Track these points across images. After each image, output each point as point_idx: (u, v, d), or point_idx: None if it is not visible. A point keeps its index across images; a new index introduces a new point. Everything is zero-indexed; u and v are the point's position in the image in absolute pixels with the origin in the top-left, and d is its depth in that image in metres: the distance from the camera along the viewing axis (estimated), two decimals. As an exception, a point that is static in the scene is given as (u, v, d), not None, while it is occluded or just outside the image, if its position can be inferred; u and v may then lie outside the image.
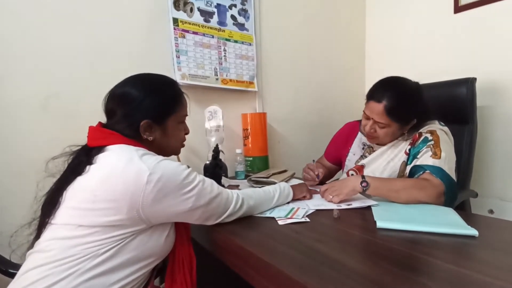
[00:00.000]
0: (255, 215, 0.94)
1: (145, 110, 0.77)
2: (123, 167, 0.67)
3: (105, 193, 0.66)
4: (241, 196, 0.86)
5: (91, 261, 0.64)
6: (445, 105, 1.44)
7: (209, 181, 0.78)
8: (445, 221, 0.78)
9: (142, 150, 0.72)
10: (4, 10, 1.09)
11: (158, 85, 0.82)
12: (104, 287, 0.65)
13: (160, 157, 0.72)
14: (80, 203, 0.67)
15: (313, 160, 1.36)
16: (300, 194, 1.05)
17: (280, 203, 0.99)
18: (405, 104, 1.05)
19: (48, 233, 0.68)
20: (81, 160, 0.72)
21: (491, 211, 1.68)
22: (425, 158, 1.01)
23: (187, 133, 0.90)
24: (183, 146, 0.91)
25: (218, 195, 0.78)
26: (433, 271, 0.58)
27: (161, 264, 0.82)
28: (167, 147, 0.84)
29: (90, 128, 0.78)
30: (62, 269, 0.62)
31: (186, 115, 0.88)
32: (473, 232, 0.71)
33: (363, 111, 1.13)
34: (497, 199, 1.65)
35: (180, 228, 0.81)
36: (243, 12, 1.62)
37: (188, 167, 0.75)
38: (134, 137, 0.76)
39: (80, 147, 0.77)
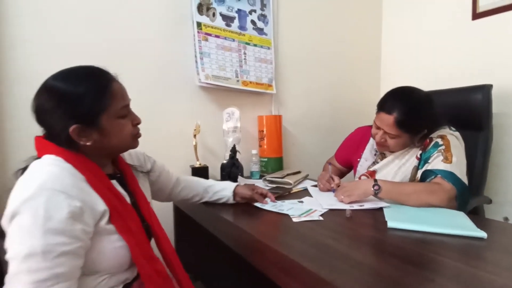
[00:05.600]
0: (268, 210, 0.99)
1: (68, 114, 0.66)
2: (19, 181, 0.64)
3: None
4: None
5: None
6: (461, 111, 1.45)
7: (45, 264, 0.56)
8: (454, 223, 0.81)
9: (51, 167, 0.64)
10: (33, 14, 1.17)
11: (76, 82, 0.68)
12: None
13: (53, 184, 0.61)
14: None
15: (329, 164, 1.38)
16: None
17: None
18: (415, 116, 1.06)
19: None
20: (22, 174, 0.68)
21: (506, 219, 1.66)
22: (436, 162, 1.03)
23: (137, 124, 0.77)
24: (137, 137, 0.78)
25: (27, 284, 0.56)
26: (441, 268, 0.61)
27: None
28: (113, 147, 0.73)
29: (35, 138, 0.71)
30: None
31: (124, 106, 0.73)
32: (482, 234, 0.73)
33: (374, 121, 1.15)
34: (513, 207, 1.64)
35: (132, 244, 0.70)
36: (262, 18, 1.68)
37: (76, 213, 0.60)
38: (71, 145, 0.67)
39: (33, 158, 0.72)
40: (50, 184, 0.60)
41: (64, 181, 0.62)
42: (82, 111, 0.66)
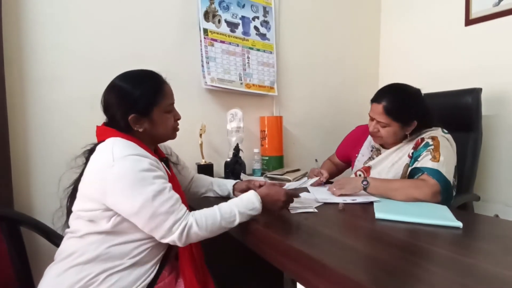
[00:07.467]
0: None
1: (129, 106, 0.84)
2: (96, 158, 0.81)
3: (86, 181, 0.81)
4: (190, 224, 0.78)
5: (105, 234, 0.80)
6: (451, 113, 1.53)
7: (166, 196, 0.77)
8: (435, 215, 0.89)
9: (121, 143, 0.80)
10: (63, 23, 1.28)
11: (137, 82, 0.87)
12: (121, 254, 0.80)
13: (131, 151, 0.78)
14: (81, 190, 0.83)
15: (316, 160, 1.48)
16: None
17: (245, 217, 0.86)
18: (402, 104, 1.17)
19: (73, 215, 0.86)
20: (90, 155, 0.86)
21: (496, 216, 1.74)
22: (424, 161, 1.12)
23: (178, 119, 0.95)
24: (176, 130, 0.96)
25: (167, 213, 0.76)
26: (422, 251, 0.70)
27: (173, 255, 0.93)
28: (157, 135, 0.91)
29: (96, 127, 0.89)
30: (88, 241, 0.79)
31: (171, 103, 0.93)
32: (458, 224, 0.82)
33: (369, 113, 1.26)
34: (503, 205, 1.71)
35: None
36: (265, 24, 1.77)
37: (157, 170, 0.80)
38: (127, 130, 0.85)
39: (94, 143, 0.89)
40: (125, 152, 0.77)
41: (136, 150, 0.80)
42: (140, 105, 0.85)
